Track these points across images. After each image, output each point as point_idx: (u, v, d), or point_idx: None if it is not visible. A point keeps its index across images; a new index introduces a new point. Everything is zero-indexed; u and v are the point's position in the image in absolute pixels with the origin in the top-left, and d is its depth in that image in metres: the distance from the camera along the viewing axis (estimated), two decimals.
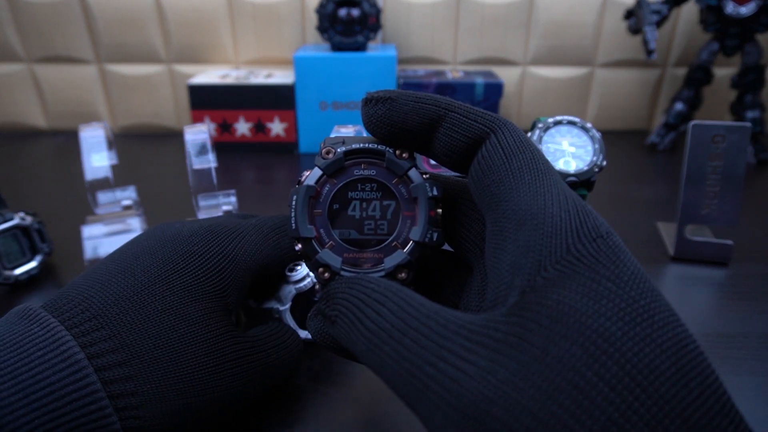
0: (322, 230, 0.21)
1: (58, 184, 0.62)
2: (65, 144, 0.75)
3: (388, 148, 0.21)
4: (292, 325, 0.32)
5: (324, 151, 0.21)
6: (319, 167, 0.21)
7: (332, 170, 0.21)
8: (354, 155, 0.21)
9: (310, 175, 0.21)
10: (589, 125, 0.37)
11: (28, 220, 0.41)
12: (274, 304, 0.32)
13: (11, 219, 0.40)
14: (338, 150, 0.21)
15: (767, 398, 0.30)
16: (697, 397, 0.13)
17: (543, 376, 0.14)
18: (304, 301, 0.32)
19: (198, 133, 0.38)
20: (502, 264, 0.17)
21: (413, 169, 0.21)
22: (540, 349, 0.14)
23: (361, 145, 0.21)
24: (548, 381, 0.14)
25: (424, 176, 0.21)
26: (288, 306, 0.31)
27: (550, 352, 0.14)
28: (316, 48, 0.72)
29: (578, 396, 0.13)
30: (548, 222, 0.16)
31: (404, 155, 0.21)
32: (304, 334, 0.32)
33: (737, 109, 0.71)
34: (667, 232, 0.49)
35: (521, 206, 0.17)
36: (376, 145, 0.21)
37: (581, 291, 0.15)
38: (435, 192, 0.20)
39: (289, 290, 0.32)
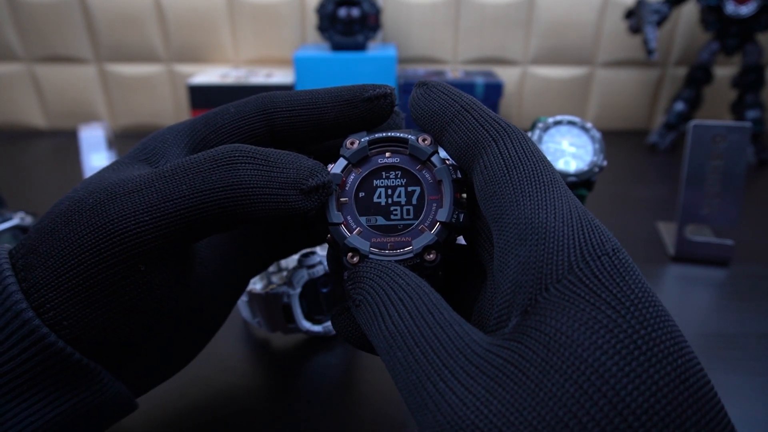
0: (349, 217, 0.21)
1: (58, 184, 0.62)
2: (65, 144, 0.75)
3: (410, 135, 0.21)
4: (298, 313, 0.31)
5: (348, 141, 0.22)
6: (344, 157, 0.21)
7: (357, 159, 0.21)
8: (378, 144, 0.21)
9: (336, 165, 0.21)
10: (589, 125, 0.37)
11: (28, 220, 0.41)
12: (285, 289, 0.31)
13: (11, 219, 0.40)
14: (362, 139, 0.21)
15: (767, 398, 0.30)
16: None
17: (535, 412, 0.14)
18: (312, 291, 0.32)
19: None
20: (505, 281, 0.17)
21: (436, 154, 0.21)
22: (534, 383, 0.14)
23: (384, 133, 0.22)
24: (539, 418, 0.14)
25: (446, 161, 0.21)
26: (298, 291, 0.31)
27: (544, 386, 0.14)
28: (316, 48, 0.72)
29: None
30: (550, 238, 0.16)
31: (426, 141, 0.21)
32: (307, 325, 0.32)
33: (738, 109, 0.71)
34: (667, 232, 0.49)
35: (522, 220, 0.17)
36: (398, 133, 0.21)
37: (580, 319, 0.15)
38: (459, 174, 0.21)
39: (302, 275, 0.31)
